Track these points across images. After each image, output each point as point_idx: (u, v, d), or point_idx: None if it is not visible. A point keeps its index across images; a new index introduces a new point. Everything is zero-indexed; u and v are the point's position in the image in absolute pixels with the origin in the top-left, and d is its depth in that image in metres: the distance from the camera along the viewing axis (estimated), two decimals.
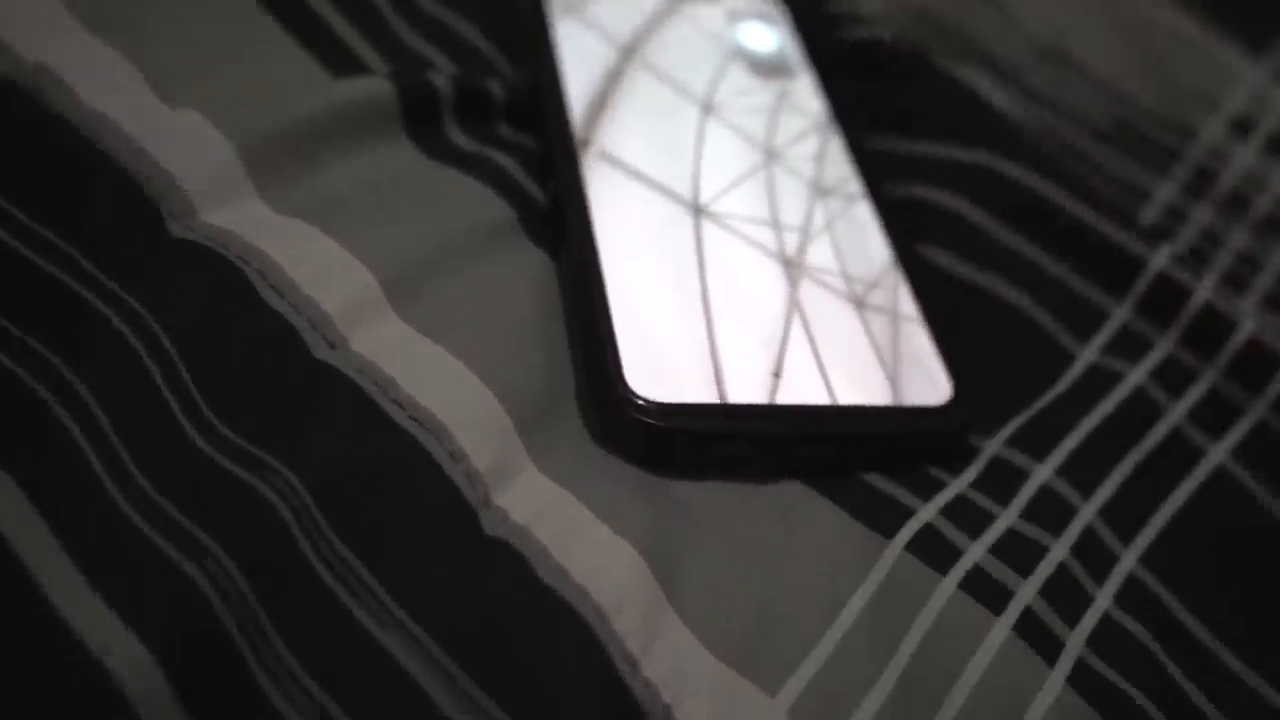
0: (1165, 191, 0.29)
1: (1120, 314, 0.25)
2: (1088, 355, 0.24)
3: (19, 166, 0.20)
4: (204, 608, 0.16)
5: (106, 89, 0.21)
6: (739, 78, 0.27)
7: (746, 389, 0.20)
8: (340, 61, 0.25)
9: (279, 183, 0.22)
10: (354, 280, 0.20)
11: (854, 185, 0.25)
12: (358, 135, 0.23)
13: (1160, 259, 0.25)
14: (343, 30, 0.25)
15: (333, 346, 0.19)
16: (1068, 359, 0.24)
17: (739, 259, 0.23)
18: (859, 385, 0.21)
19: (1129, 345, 0.24)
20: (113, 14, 0.23)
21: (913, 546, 0.20)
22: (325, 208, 0.21)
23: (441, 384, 0.19)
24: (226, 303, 0.19)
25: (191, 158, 0.21)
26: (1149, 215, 0.28)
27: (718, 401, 0.20)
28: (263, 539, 0.17)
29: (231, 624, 0.16)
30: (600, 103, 0.25)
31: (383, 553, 0.17)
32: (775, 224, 0.24)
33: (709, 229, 0.23)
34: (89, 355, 0.18)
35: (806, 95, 0.27)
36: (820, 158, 0.26)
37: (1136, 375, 0.24)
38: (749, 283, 0.22)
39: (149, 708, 0.15)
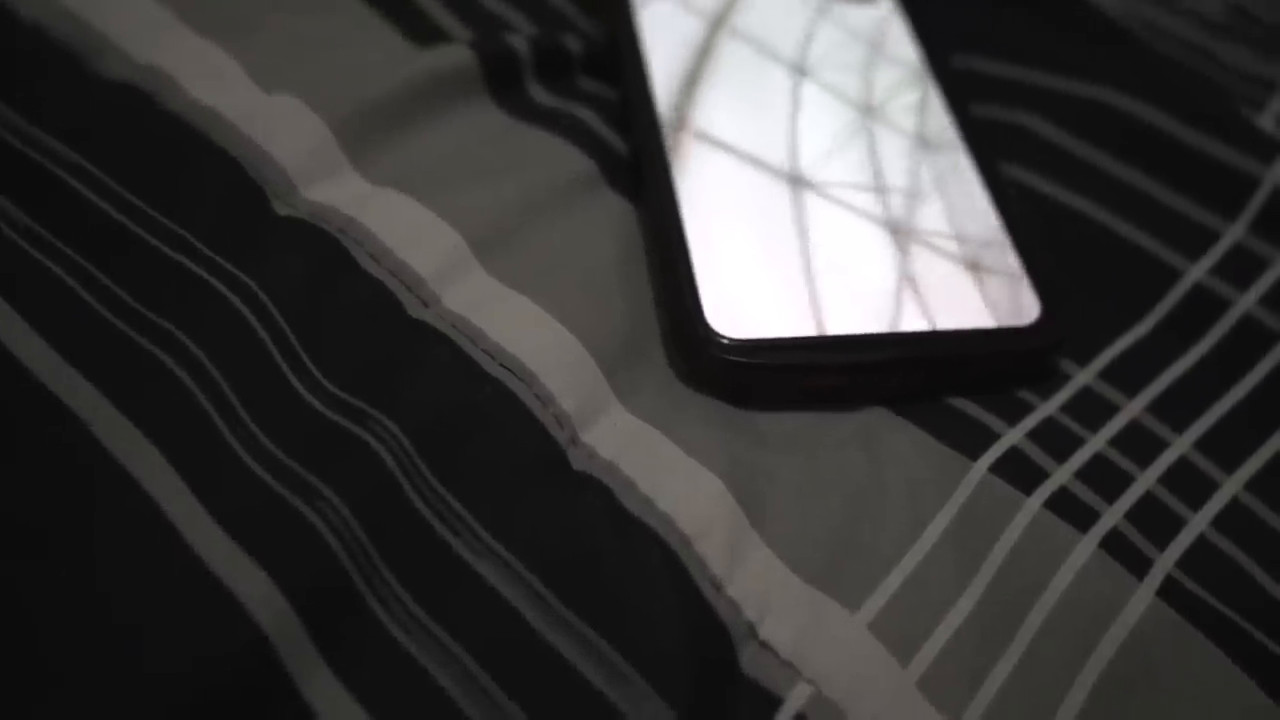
0: None
1: (1234, 232, 0.24)
2: (1194, 274, 0.23)
3: (141, 160, 0.22)
4: (323, 547, 0.17)
5: (211, 83, 0.23)
6: (823, 32, 0.27)
7: (821, 320, 0.21)
8: (423, 32, 0.26)
9: (372, 155, 0.23)
10: (443, 242, 0.21)
11: (942, 116, 0.25)
12: (443, 103, 0.24)
13: (1277, 173, 0.24)
14: (425, 3, 0.26)
15: (426, 305, 0.21)
16: (1171, 277, 0.23)
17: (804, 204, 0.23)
18: (938, 310, 0.21)
19: (1240, 266, 0.23)
20: (212, 13, 0.25)
21: (997, 468, 0.20)
22: (415, 175, 0.23)
23: (528, 332, 0.20)
24: (327, 271, 0.21)
25: (290, 139, 0.22)
26: (1272, 112, 0.27)
27: (793, 335, 0.21)
28: (369, 483, 0.18)
29: (348, 561, 0.17)
30: (680, 70, 0.26)
31: (476, 490, 0.18)
32: (848, 170, 0.24)
33: (787, 189, 0.23)
34: (206, 325, 0.20)
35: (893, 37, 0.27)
36: (869, 69, 0.26)
37: (1245, 302, 0.23)
38: (831, 215, 0.23)
39: (282, 639, 0.17)
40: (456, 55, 0.25)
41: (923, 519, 0.19)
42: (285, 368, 0.19)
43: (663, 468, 0.19)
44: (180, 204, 0.21)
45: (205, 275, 0.20)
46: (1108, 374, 0.22)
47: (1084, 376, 0.22)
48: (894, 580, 0.19)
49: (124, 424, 0.18)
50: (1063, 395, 0.22)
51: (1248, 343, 0.23)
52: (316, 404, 0.19)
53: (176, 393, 0.19)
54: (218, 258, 0.21)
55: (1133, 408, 0.21)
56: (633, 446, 0.20)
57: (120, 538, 0.17)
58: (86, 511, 0.17)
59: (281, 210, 0.22)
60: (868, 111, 0.25)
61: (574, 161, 0.24)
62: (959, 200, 0.23)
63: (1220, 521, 0.20)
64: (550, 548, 0.18)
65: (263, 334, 0.20)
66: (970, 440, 0.21)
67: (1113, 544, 0.19)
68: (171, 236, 0.21)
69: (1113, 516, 0.20)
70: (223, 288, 0.20)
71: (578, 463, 0.19)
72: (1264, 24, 0.29)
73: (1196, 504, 0.20)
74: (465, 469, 0.19)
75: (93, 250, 0.20)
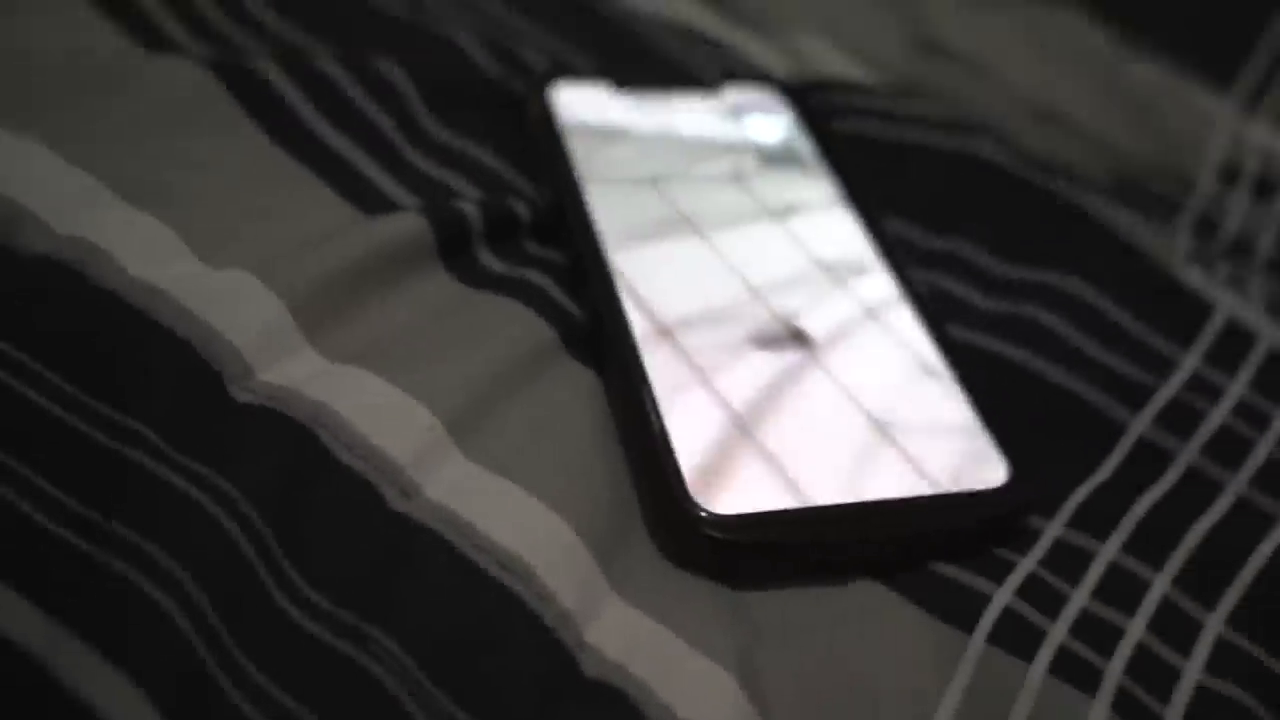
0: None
1: (1182, 370, 0.25)
2: (1137, 427, 0.25)
3: (79, 345, 0.20)
4: None
5: (151, 258, 0.21)
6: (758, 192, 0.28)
7: (812, 491, 0.21)
8: (368, 197, 0.25)
9: (329, 330, 0.22)
10: (418, 424, 0.20)
11: (886, 283, 0.26)
12: (398, 273, 0.23)
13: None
14: (364, 167, 0.26)
15: (407, 496, 0.19)
16: (1116, 431, 0.24)
17: (783, 363, 0.23)
18: (917, 477, 0.21)
19: (1178, 418, 0.25)
20: (146, 181, 0.23)
21: (995, 638, 0.20)
22: (377, 351, 0.22)
23: (518, 522, 0.19)
24: (303, 467, 0.19)
25: (242, 317, 0.21)
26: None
27: (783, 508, 0.20)
28: (375, 717, 0.16)
29: None
30: (626, 224, 0.26)
31: (494, 713, 0.17)
32: (816, 329, 0.24)
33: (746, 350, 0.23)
34: (177, 534, 0.18)
35: (817, 187, 0.28)
36: (841, 246, 0.26)
37: (1188, 454, 0.24)
38: (799, 386, 0.23)
39: None
40: (410, 223, 0.24)
41: (928, 706, 0.19)
42: (270, 583, 0.18)
43: (674, 669, 0.18)
44: (129, 394, 0.19)
45: (170, 476, 0.18)
46: (1076, 521, 0.23)
47: (1054, 529, 0.22)
48: None
49: (99, 665, 0.16)
50: (1040, 549, 0.22)
51: (1200, 491, 0.23)
52: (305, 623, 0.17)
53: (155, 619, 0.17)
54: (180, 455, 0.19)
55: (1106, 551, 0.22)
56: (639, 645, 0.19)
57: None
58: None
59: (240, 396, 0.20)
60: (810, 276, 0.25)
61: (534, 329, 0.23)
62: (915, 365, 0.24)
63: (1213, 665, 0.20)
64: None
65: (245, 545, 0.18)
66: (963, 609, 0.21)
67: (1122, 706, 0.19)
68: (124, 432, 0.19)
69: (1114, 673, 0.20)
70: (194, 490, 0.18)
71: (589, 667, 0.18)
72: (1145, 190, 0.31)
73: (1186, 650, 0.21)
74: (479, 688, 0.17)
75: (34, 456, 0.18)
